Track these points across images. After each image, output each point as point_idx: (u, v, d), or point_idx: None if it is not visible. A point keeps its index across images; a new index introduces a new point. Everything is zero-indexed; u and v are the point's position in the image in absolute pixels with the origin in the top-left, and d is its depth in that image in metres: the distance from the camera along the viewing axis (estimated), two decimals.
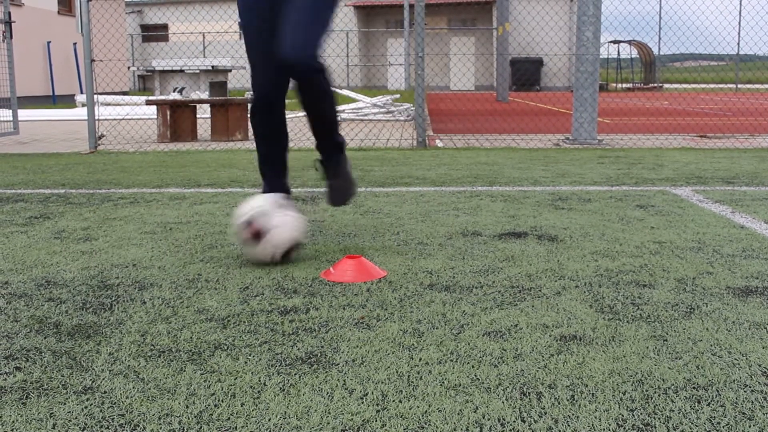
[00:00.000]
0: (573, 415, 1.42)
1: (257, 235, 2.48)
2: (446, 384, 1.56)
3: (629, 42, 30.03)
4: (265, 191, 2.84)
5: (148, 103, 7.89)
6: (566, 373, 1.61)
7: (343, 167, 2.94)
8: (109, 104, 13.51)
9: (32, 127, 9.76)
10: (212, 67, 11.87)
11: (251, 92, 2.85)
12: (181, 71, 12.02)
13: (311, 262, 2.58)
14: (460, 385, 1.55)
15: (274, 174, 2.89)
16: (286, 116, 2.92)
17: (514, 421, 1.39)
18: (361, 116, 10.94)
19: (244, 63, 25.99)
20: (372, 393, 1.52)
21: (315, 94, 2.74)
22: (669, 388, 1.53)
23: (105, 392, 1.53)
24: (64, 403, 1.47)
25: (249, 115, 2.90)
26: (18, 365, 1.67)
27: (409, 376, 1.60)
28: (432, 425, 1.38)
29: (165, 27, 33.81)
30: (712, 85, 27.51)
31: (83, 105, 13.75)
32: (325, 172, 2.95)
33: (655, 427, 1.37)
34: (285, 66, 2.60)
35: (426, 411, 1.44)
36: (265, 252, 2.50)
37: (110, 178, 4.81)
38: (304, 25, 2.58)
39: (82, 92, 17.81)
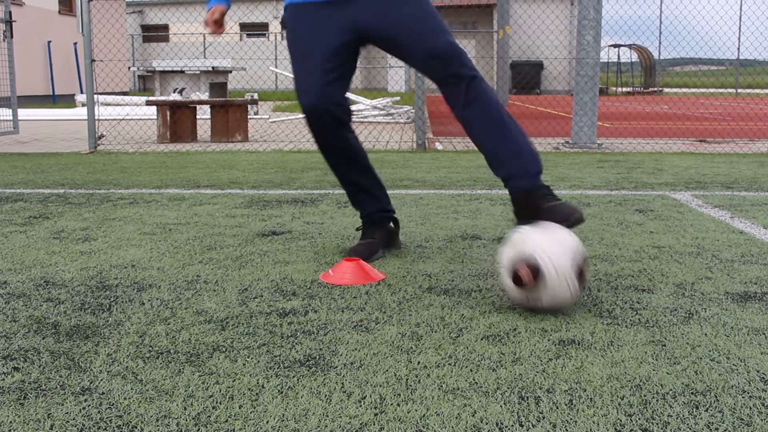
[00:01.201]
0: (571, 419, 1.42)
1: (521, 283, 2.02)
2: (444, 387, 1.56)
3: (629, 46, 30.06)
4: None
5: (148, 103, 7.90)
6: (565, 377, 1.61)
7: (544, 197, 2.39)
8: (109, 104, 13.51)
9: (32, 127, 9.76)
10: (212, 68, 11.88)
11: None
12: (182, 72, 12.02)
13: (310, 265, 2.58)
14: (458, 388, 1.55)
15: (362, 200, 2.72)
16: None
17: (512, 425, 1.39)
18: (360, 118, 10.94)
19: (244, 64, 25.99)
20: (370, 396, 1.52)
21: (479, 99, 2.49)
22: (667, 393, 1.53)
23: (103, 393, 1.52)
24: (62, 404, 1.47)
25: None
26: (16, 365, 1.67)
27: (407, 380, 1.60)
28: (430, 429, 1.38)
29: (166, 27, 33.82)
30: (712, 90, 27.53)
31: (83, 105, 13.75)
32: (520, 213, 2.41)
33: None
34: (445, 71, 2.42)
35: (424, 414, 1.44)
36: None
37: (110, 178, 4.81)
38: (435, 32, 2.45)
39: (82, 92, 17.81)
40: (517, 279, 2.01)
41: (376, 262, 2.59)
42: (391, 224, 2.78)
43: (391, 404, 1.48)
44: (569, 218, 2.25)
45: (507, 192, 2.48)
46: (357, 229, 2.81)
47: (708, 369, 1.66)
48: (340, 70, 2.51)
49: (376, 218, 2.73)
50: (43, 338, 1.84)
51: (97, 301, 2.15)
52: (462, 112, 2.53)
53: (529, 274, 1.99)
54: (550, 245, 2.03)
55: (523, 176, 2.40)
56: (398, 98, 12.89)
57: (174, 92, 11.64)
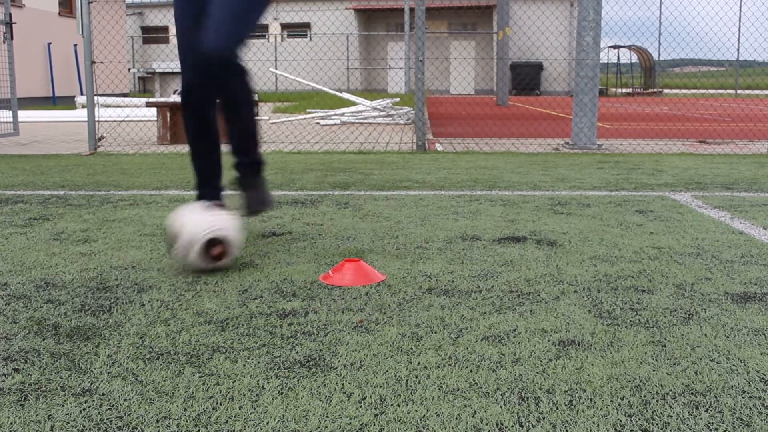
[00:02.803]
0: (571, 420, 1.42)
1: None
2: (444, 388, 1.56)
3: (629, 47, 30.08)
4: (197, 198, 2.92)
5: (148, 105, 7.90)
6: (565, 378, 1.61)
7: (260, 184, 2.93)
8: (109, 106, 13.51)
9: (32, 129, 9.76)
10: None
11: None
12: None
13: (310, 266, 2.58)
14: (458, 389, 1.55)
15: (203, 177, 2.90)
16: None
17: (512, 426, 1.39)
18: (361, 119, 10.94)
19: (244, 65, 25.98)
20: (370, 397, 1.52)
21: (233, 96, 2.72)
22: (667, 393, 1.54)
23: (103, 394, 1.53)
24: (63, 405, 1.47)
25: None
26: (16, 367, 1.67)
27: (407, 381, 1.60)
28: (430, 430, 1.38)
29: (165, 29, 33.83)
30: (711, 91, 27.54)
31: (83, 106, 13.75)
32: (241, 186, 2.94)
33: None
34: (202, 59, 2.59)
35: (424, 415, 1.44)
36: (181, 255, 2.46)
37: (110, 179, 4.81)
38: (224, 21, 2.57)
39: (82, 94, 17.81)
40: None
41: (376, 264, 2.59)
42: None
43: (391, 405, 1.48)
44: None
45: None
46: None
47: (708, 369, 1.66)
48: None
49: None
50: (44, 339, 1.84)
51: (97, 302, 2.15)
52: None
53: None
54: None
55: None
56: (398, 99, 12.89)
57: (174, 93, 11.64)
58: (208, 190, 2.89)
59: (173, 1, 2.80)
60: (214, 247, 2.42)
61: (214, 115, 2.83)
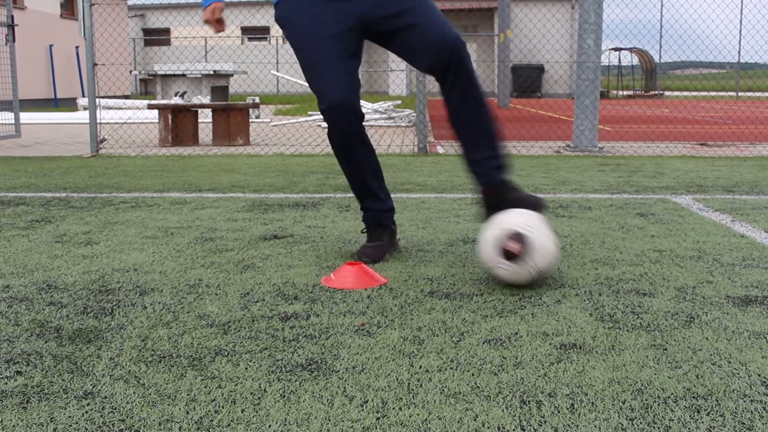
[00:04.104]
0: (573, 423, 1.42)
1: (513, 255, 2.25)
2: (446, 392, 1.56)
3: (630, 49, 30.08)
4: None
5: (150, 107, 7.91)
6: (566, 381, 1.62)
7: (515, 190, 2.58)
8: (110, 108, 13.53)
9: (34, 130, 9.77)
10: (214, 71, 11.89)
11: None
12: (183, 75, 12.04)
13: (312, 269, 2.58)
14: (460, 392, 1.56)
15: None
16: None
17: (514, 430, 1.39)
18: None
19: (246, 68, 26.01)
20: (372, 400, 1.52)
21: (468, 88, 2.51)
22: (668, 397, 1.54)
23: (105, 397, 1.53)
24: (65, 408, 1.48)
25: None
26: (19, 369, 1.67)
27: (409, 384, 1.60)
28: None
29: (167, 31, 33.87)
30: (712, 93, 27.54)
31: (85, 108, 13.77)
32: (488, 203, 2.59)
33: None
34: (446, 51, 2.44)
35: (426, 419, 1.44)
36: (523, 273, 2.27)
37: (112, 182, 4.82)
38: (441, 21, 2.49)
39: (83, 95, 17.83)
40: (507, 253, 2.26)
41: (377, 267, 2.59)
42: (392, 224, 2.79)
43: (393, 408, 1.48)
44: (536, 207, 2.50)
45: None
46: (362, 232, 2.81)
47: (709, 373, 1.66)
48: (353, 61, 2.53)
49: (382, 219, 2.73)
50: (46, 342, 1.85)
51: (99, 304, 2.16)
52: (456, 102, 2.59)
53: (517, 243, 2.25)
54: (519, 217, 2.36)
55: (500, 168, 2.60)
56: (399, 102, 12.90)
57: (175, 96, 11.65)
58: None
59: (299, 30, 2.55)
60: (510, 240, 2.25)
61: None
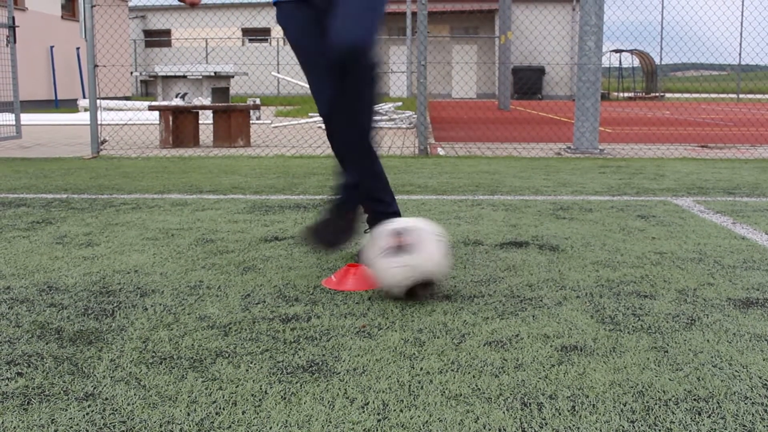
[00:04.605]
0: (574, 426, 1.42)
1: (400, 248, 2.19)
2: (447, 394, 1.56)
3: (631, 51, 30.09)
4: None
5: (151, 108, 7.91)
6: (567, 383, 1.61)
7: (351, 210, 2.51)
8: (111, 109, 13.53)
9: (35, 132, 9.77)
10: (215, 73, 11.90)
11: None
12: (184, 77, 12.04)
13: (313, 270, 2.58)
14: (461, 395, 1.55)
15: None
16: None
17: None
18: None
19: (247, 69, 26.03)
20: (373, 402, 1.52)
21: (354, 87, 2.34)
22: (670, 399, 1.54)
23: (106, 399, 1.53)
24: (66, 410, 1.48)
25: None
26: (20, 371, 1.67)
27: (410, 386, 1.60)
28: None
29: (168, 32, 33.89)
30: (713, 95, 27.54)
31: (86, 110, 13.77)
32: (329, 204, 2.52)
33: None
34: (333, 55, 2.28)
35: (427, 421, 1.44)
36: (398, 272, 2.19)
37: (112, 183, 4.82)
38: (352, 14, 2.29)
39: (84, 97, 17.85)
40: (393, 249, 2.19)
41: None
42: None
43: (394, 410, 1.48)
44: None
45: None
46: (365, 232, 2.79)
47: (710, 375, 1.66)
48: None
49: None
50: (47, 343, 1.85)
51: (100, 306, 2.16)
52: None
53: (398, 236, 2.21)
54: (399, 221, 2.32)
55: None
56: (400, 103, 12.90)
57: (176, 97, 11.65)
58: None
59: (290, 34, 2.56)
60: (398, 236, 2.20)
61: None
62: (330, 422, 1.43)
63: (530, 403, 1.51)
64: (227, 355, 1.77)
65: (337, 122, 2.50)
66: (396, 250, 2.18)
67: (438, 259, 2.20)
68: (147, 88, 31.30)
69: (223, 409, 1.49)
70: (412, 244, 2.19)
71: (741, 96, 26.51)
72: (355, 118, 2.45)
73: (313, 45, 2.52)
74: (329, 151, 7.17)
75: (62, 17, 18.51)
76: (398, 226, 2.25)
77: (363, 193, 2.59)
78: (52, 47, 17.77)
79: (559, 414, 1.47)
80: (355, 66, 2.30)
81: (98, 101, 6.97)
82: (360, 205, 2.61)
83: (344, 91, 2.36)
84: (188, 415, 1.46)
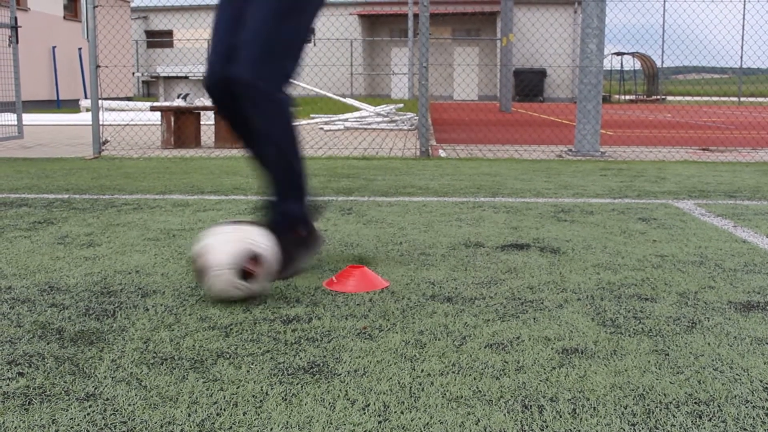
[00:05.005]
0: (574, 428, 1.42)
1: (199, 274, 2.19)
2: (448, 396, 1.56)
3: (632, 54, 30.09)
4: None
5: (153, 109, 7.92)
6: (568, 386, 1.61)
7: (288, 245, 2.38)
8: (113, 110, 13.54)
9: (36, 132, 9.78)
10: None
11: None
12: (186, 77, 12.05)
13: (314, 272, 2.58)
14: (461, 397, 1.56)
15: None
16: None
17: None
18: (364, 125, 10.96)
19: None
20: (374, 404, 1.52)
21: (257, 130, 2.30)
22: (670, 402, 1.54)
23: (107, 399, 1.53)
24: (67, 410, 1.48)
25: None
26: (21, 371, 1.67)
27: (411, 388, 1.60)
28: None
29: (170, 33, 33.91)
30: (714, 98, 27.54)
31: (87, 110, 13.78)
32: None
33: None
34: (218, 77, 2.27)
35: (428, 423, 1.44)
36: (207, 292, 2.21)
37: (114, 183, 4.82)
38: (254, 35, 2.22)
39: (86, 97, 17.84)
40: (246, 274, 2.16)
41: (380, 270, 2.59)
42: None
43: (395, 412, 1.48)
44: None
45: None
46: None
47: (711, 378, 1.66)
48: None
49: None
50: (48, 344, 1.85)
51: (101, 306, 2.16)
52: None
53: (255, 264, 2.17)
54: (252, 234, 2.23)
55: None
56: (401, 105, 12.91)
57: (178, 98, 11.66)
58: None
59: None
60: (251, 262, 2.17)
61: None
62: (331, 423, 1.43)
63: (531, 406, 1.51)
64: (228, 356, 1.77)
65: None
66: (245, 275, 2.17)
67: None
68: (149, 88, 31.32)
69: (224, 409, 1.49)
70: (266, 269, 2.20)
71: (742, 99, 26.52)
72: (263, 151, 2.40)
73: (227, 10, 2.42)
74: (330, 152, 7.17)
75: (64, 18, 18.52)
76: (258, 251, 2.19)
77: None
78: (54, 47, 17.78)
79: (560, 417, 1.47)
80: (239, 99, 2.27)
81: (100, 102, 6.97)
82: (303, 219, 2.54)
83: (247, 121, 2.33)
84: (189, 415, 1.46)
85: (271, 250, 2.24)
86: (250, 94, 2.28)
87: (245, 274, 2.16)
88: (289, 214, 2.46)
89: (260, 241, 2.22)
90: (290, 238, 2.44)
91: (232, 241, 2.19)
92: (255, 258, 2.18)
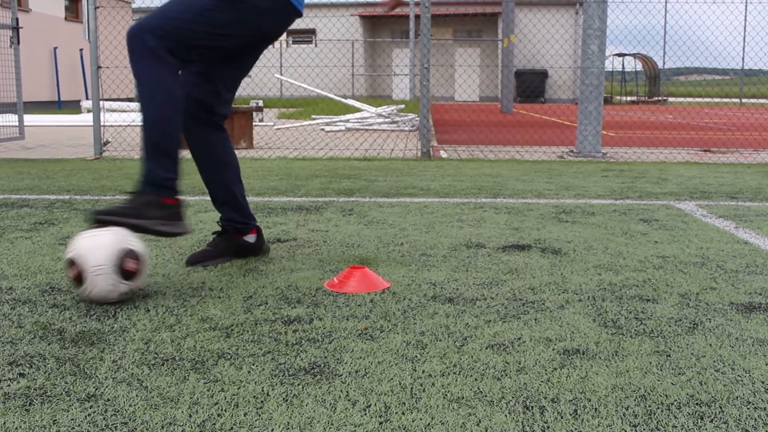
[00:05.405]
0: (576, 429, 1.42)
1: (77, 278, 2.17)
2: (449, 396, 1.56)
3: (634, 55, 30.09)
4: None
5: None
6: (569, 387, 1.61)
7: (136, 205, 2.34)
8: (114, 110, 13.54)
9: (38, 133, 9.79)
10: None
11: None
12: None
13: (315, 272, 2.58)
14: (463, 397, 1.55)
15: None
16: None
17: None
18: (365, 126, 10.96)
19: (250, 71, 26.00)
20: (375, 405, 1.52)
21: (137, 82, 2.34)
22: (672, 403, 1.53)
23: (108, 400, 1.53)
24: (68, 411, 1.48)
25: None
26: (22, 371, 1.67)
27: (412, 388, 1.60)
28: None
29: None
30: (716, 99, 27.53)
31: (89, 111, 13.79)
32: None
33: None
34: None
35: (429, 423, 1.44)
36: (87, 296, 2.19)
37: (115, 184, 4.82)
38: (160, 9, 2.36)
39: (87, 98, 17.86)
40: (126, 273, 2.17)
41: (381, 271, 2.59)
42: (246, 236, 2.75)
43: (396, 413, 1.48)
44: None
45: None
46: (213, 233, 2.80)
47: (713, 380, 1.66)
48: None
49: (229, 228, 2.74)
50: (49, 344, 1.85)
51: (102, 307, 2.16)
52: None
53: (134, 261, 2.19)
54: (122, 235, 2.23)
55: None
56: (403, 106, 12.91)
57: None
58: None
59: None
60: (128, 259, 2.18)
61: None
62: (332, 424, 1.43)
63: (532, 407, 1.51)
64: (229, 357, 1.77)
65: None
66: (135, 276, 2.20)
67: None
68: None
69: (225, 410, 1.49)
70: (140, 272, 2.22)
71: (744, 100, 26.51)
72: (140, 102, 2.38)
73: None
74: (332, 153, 7.17)
75: (66, 18, 18.53)
76: (133, 248, 2.21)
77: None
78: (55, 48, 17.80)
79: (561, 417, 1.47)
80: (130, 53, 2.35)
81: (101, 102, 6.98)
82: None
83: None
84: (190, 416, 1.46)
85: (144, 247, 2.27)
86: (134, 44, 2.35)
87: (125, 273, 2.16)
88: (153, 175, 2.37)
89: (132, 239, 2.23)
90: (149, 197, 2.36)
91: (106, 243, 2.18)
92: (132, 255, 2.19)
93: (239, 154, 7.05)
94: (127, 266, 2.16)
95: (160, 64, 2.34)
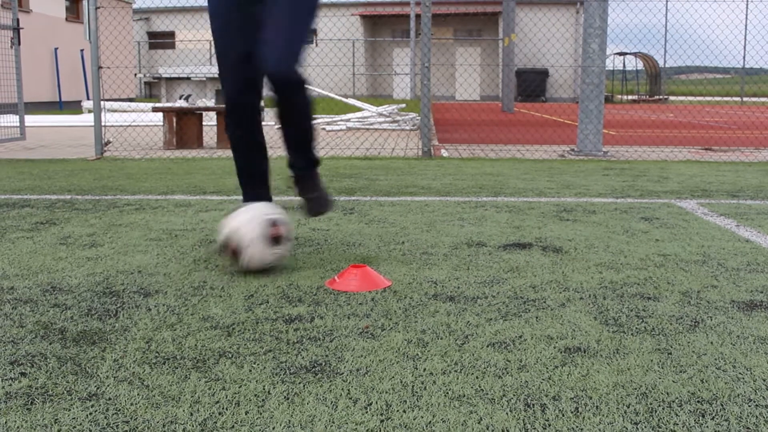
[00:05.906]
0: (577, 427, 1.42)
1: (234, 254, 2.48)
2: (450, 395, 1.56)
3: (635, 54, 30.07)
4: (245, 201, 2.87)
5: (155, 110, 7.92)
6: (570, 385, 1.61)
7: (318, 182, 2.89)
8: (115, 111, 13.55)
9: (39, 133, 9.79)
10: (218, 74, 11.93)
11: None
12: (188, 78, 12.06)
13: (316, 271, 2.58)
14: (464, 395, 1.55)
15: (252, 186, 2.94)
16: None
17: None
18: (366, 125, 10.96)
19: None
20: (376, 403, 1.52)
21: (295, 108, 2.75)
22: (673, 401, 1.53)
23: (110, 399, 1.53)
24: (69, 410, 1.48)
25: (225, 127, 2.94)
26: (23, 371, 1.68)
27: (413, 387, 1.60)
28: None
29: (172, 34, 33.94)
30: (717, 98, 27.52)
31: (90, 111, 13.79)
32: (300, 189, 2.89)
33: None
34: (269, 80, 2.61)
35: (430, 422, 1.44)
36: (247, 266, 2.50)
37: (116, 184, 4.83)
38: (284, 35, 2.55)
39: (88, 98, 17.86)
40: (275, 239, 2.50)
41: (382, 269, 2.59)
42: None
43: (397, 411, 1.48)
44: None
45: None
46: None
47: (714, 377, 1.66)
48: None
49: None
50: (50, 344, 1.85)
51: (103, 306, 2.16)
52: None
53: (278, 227, 2.51)
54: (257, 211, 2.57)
55: None
56: (404, 105, 12.91)
57: (180, 99, 11.66)
58: (258, 195, 2.92)
59: (210, 10, 2.78)
60: (274, 227, 2.48)
61: (260, 127, 2.96)
62: (333, 423, 1.43)
63: (533, 405, 1.51)
64: (230, 356, 1.77)
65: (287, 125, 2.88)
66: (233, 258, 2.50)
67: (261, 251, 2.48)
68: (151, 89, 31.35)
69: (226, 409, 1.49)
70: (285, 236, 2.54)
71: (745, 99, 26.49)
72: (299, 122, 2.86)
73: (232, 35, 2.78)
74: (332, 152, 7.17)
75: (66, 19, 18.54)
76: (274, 218, 2.52)
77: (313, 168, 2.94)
78: (56, 49, 17.80)
79: (563, 415, 1.47)
80: (285, 90, 2.67)
81: (102, 103, 6.98)
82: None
83: (285, 104, 2.75)
84: (191, 415, 1.46)
85: (282, 214, 2.58)
86: (298, 85, 2.71)
87: (275, 239, 2.47)
88: (314, 158, 2.92)
89: (269, 210, 2.55)
90: (317, 177, 2.90)
91: (251, 219, 2.49)
92: (275, 223, 2.49)
93: None
94: (274, 233, 2.48)
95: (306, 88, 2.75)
